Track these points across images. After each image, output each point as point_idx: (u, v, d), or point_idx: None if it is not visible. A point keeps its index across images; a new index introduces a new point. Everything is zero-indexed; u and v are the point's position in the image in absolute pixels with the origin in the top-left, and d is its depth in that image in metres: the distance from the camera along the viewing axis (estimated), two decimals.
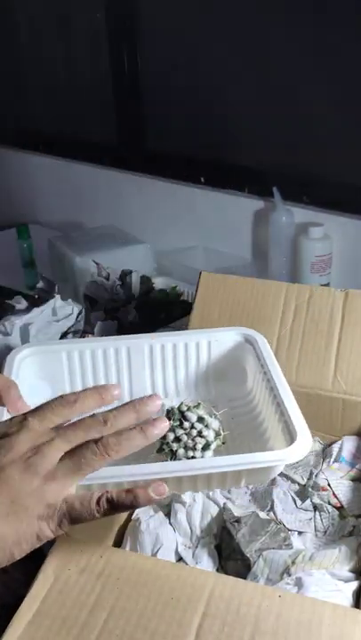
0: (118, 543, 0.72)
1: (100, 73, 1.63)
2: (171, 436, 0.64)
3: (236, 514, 0.71)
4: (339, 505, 0.75)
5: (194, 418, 0.65)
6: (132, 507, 0.49)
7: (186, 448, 0.64)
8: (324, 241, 1.30)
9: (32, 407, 0.53)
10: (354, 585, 0.62)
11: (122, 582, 0.55)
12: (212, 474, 0.59)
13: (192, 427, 0.64)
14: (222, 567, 0.70)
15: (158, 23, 1.49)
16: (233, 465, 0.58)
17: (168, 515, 0.74)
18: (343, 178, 1.28)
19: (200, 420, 0.65)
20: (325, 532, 0.74)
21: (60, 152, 1.84)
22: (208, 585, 0.54)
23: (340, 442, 0.84)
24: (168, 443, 0.65)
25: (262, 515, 0.71)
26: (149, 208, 1.66)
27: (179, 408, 0.66)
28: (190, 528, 0.73)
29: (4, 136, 2.00)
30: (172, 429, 0.64)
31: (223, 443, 0.66)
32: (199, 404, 0.67)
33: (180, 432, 0.64)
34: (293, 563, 0.65)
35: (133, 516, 0.73)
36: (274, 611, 0.51)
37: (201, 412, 0.66)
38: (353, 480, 0.79)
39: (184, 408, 0.66)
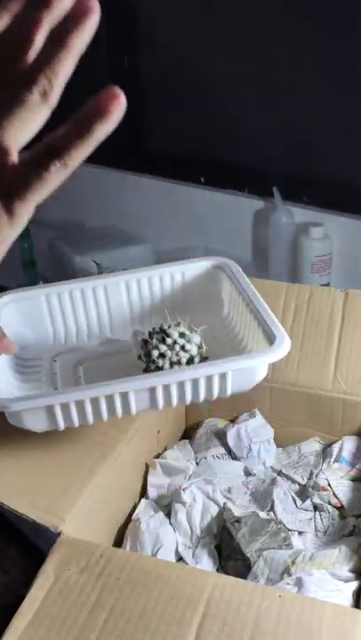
0: (118, 543, 0.72)
1: (100, 72, 1.63)
2: (155, 353, 0.67)
3: (236, 514, 0.71)
4: (339, 505, 0.75)
5: (175, 334, 0.68)
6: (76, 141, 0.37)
7: (171, 363, 0.67)
8: (324, 241, 1.30)
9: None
10: (354, 585, 0.62)
11: (122, 582, 0.55)
12: (199, 379, 0.62)
13: (175, 342, 0.67)
14: (222, 567, 0.70)
15: (158, 23, 1.49)
16: (219, 369, 0.61)
17: (168, 515, 0.74)
18: (343, 178, 1.28)
19: (182, 335, 0.68)
20: (326, 531, 0.74)
21: None
22: (208, 585, 0.54)
23: (340, 442, 0.84)
24: (154, 360, 0.67)
25: (262, 515, 0.71)
26: (149, 208, 1.66)
27: (160, 327, 0.69)
28: (190, 528, 0.73)
29: None
30: (155, 347, 0.67)
31: (206, 357, 0.69)
32: (179, 322, 0.70)
33: (163, 348, 0.67)
34: (293, 563, 0.65)
35: (133, 517, 0.73)
36: (274, 611, 0.51)
37: (182, 328, 0.68)
38: (353, 480, 0.79)
39: (165, 326, 0.69)
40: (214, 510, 0.74)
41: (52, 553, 0.58)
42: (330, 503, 0.76)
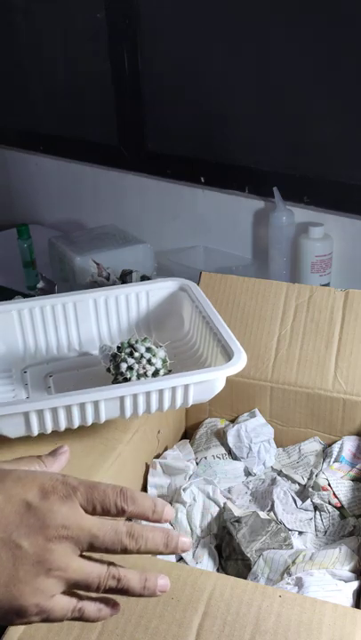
0: None
1: (101, 73, 1.63)
2: (124, 366, 0.73)
3: (236, 514, 0.71)
4: (339, 505, 0.75)
5: (142, 349, 0.74)
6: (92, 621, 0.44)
7: (138, 375, 0.72)
8: (325, 241, 1.29)
9: None
10: (354, 585, 0.62)
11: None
12: (164, 390, 0.68)
13: (141, 356, 0.73)
14: (222, 567, 0.70)
15: (159, 23, 1.48)
16: (183, 381, 0.68)
17: None
18: (344, 178, 1.28)
19: (148, 350, 0.74)
20: (326, 531, 0.74)
21: (60, 152, 1.83)
22: (208, 585, 0.54)
23: (340, 442, 0.84)
24: (122, 372, 0.73)
25: (263, 515, 0.71)
26: (150, 208, 1.66)
27: (128, 341, 0.75)
28: (190, 528, 0.73)
29: (5, 136, 2.00)
30: (124, 360, 0.73)
31: (169, 370, 0.75)
32: (146, 338, 0.76)
33: (131, 361, 0.73)
34: (294, 563, 0.64)
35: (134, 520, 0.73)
36: (274, 611, 0.51)
37: (148, 344, 0.75)
38: (353, 480, 0.79)
39: (133, 341, 0.75)
40: (214, 510, 0.74)
41: None
42: (330, 503, 0.76)
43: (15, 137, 1.96)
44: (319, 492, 0.76)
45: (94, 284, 1.28)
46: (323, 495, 0.76)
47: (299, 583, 0.61)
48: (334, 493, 0.76)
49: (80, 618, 0.43)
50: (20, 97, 1.91)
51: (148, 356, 0.73)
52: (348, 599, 0.60)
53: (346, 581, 0.63)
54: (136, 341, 0.74)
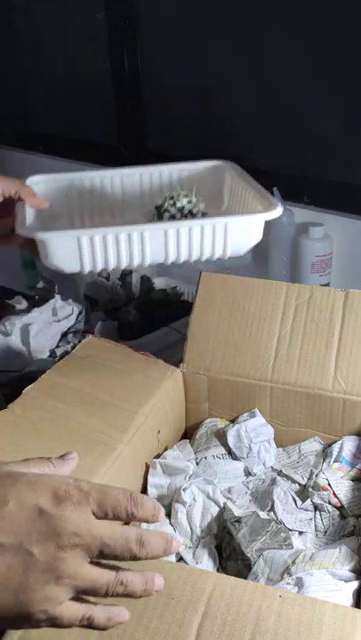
0: None
1: (101, 73, 1.63)
2: (167, 216, 0.76)
3: (236, 514, 0.71)
4: (339, 505, 0.75)
5: (185, 201, 0.78)
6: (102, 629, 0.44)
7: None
8: (325, 241, 1.29)
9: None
10: (354, 585, 0.62)
11: None
12: (205, 228, 0.70)
13: (183, 207, 0.77)
14: (222, 567, 0.70)
15: (159, 23, 1.48)
16: (222, 220, 0.71)
17: (169, 515, 0.74)
18: (344, 178, 1.28)
19: (190, 202, 0.78)
20: (326, 531, 0.74)
21: (60, 152, 1.83)
22: (208, 585, 0.54)
23: (340, 442, 0.84)
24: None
25: (263, 515, 0.71)
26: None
27: (170, 195, 0.79)
28: (190, 528, 0.73)
29: (5, 136, 2.00)
30: (167, 210, 0.76)
31: None
32: (187, 194, 0.80)
33: (173, 211, 0.77)
34: (294, 563, 0.65)
35: None
36: (274, 611, 0.51)
37: (189, 197, 0.79)
38: (353, 480, 0.79)
39: (174, 194, 0.79)
40: (214, 510, 0.74)
41: None
42: (330, 503, 0.76)
43: (16, 137, 1.96)
44: (319, 492, 0.76)
45: (94, 284, 1.28)
46: (323, 495, 0.76)
47: (299, 583, 0.61)
48: (334, 493, 0.76)
49: (89, 626, 0.43)
50: (20, 97, 1.91)
51: (189, 207, 0.77)
52: (348, 599, 0.60)
53: (346, 581, 0.63)
54: (178, 195, 0.78)
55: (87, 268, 0.70)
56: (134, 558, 0.42)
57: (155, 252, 0.70)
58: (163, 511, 0.46)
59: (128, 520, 0.43)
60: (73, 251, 0.68)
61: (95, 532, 0.41)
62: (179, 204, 0.77)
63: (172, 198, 0.78)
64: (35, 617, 0.40)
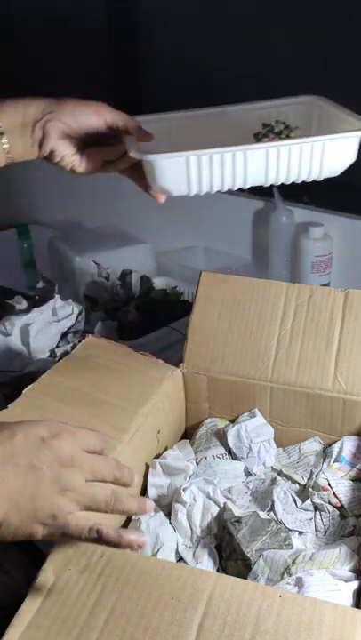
0: None
1: (101, 73, 1.63)
2: (265, 141, 0.78)
3: (236, 514, 0.71)
4: (339, 505, 0.75)
5: (281, 126, 0.81)
6: (114, 545, 0.52)
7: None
8: (325, 241, 1.30)
9: None
10: (354, 585, 0.62)
11: (122, 582, 0.55)
12: (303, 147, 0.71)
13: (281, 131, 0.80)
14: (222, 567, 0.70)
15: (160, 23, 1.48)
16: (321, 138, 0.72)
17: (169, 515, 0.74)
18: (344, 178, 1.28)
19: (286, 127, 0.81)
20: (326, 531, 0.74)
21: None
22: (208, 585, 0.54)
23: (340, 442, 0.84)
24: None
25: (263, 515, 0.71)
26: (149, 208, 1.66)
27: (267, 123, 0.81)
28: (191, 528, 0.73)
29: None
30: (265, 135, 0.80)
31: None
32: (284, 121, 0.82)
33: (271, 136, 0.80)
34: (294, 563, 0.64)
35: (134, 517, 0.73)
36: (274, 611, 0.51)
37: (286, 124, 0.81)
38: (353, 480, 0.79)
39: (271, 122, 0.81)
40: (214, 510, 0.74)
41: (53, 553, 0.58)
42: (330, 503, 0.76)
43: None
44: (319, 492, 0.76)
45: (94, 285, 1.28)
46: (323, 495, 0.76)
47: (299, 583, 0.61)
48: (334, 493, 0.76)
49: (99, 538, 0.51)
50: (21, 97, 1.91)
51: (286, 132, 0.80)
52: (348, 599, 0.60)
53: (346, 581, 0.63)
54: (275, 122, 0.81)
55: (194, 190, 0.72)
56: (117, 481, 0.54)
57: (255, 173, 0.72)
58: (151, 503, 0.55)
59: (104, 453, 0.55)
60: (181, 172, 0.71)
61: (84, 457, 0.52)
62: (276, 129, 0.80)
63: (269, 125, 0.81)
64: (45, 521, 0.49)
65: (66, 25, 1.66)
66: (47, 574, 0.56)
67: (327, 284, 1.31)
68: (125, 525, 0.73)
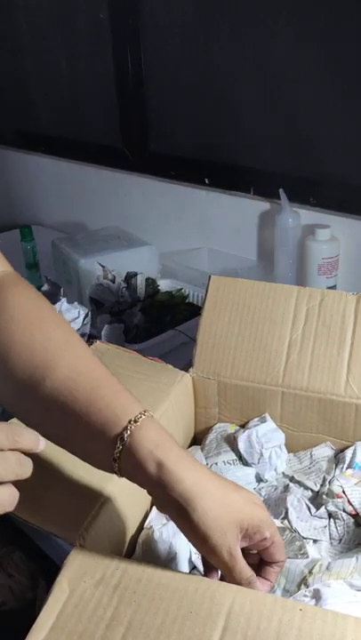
0: (131, 552, 0.70)
1: (104, 74, 1.62)
2: None
3: None
4: (354, 512, 0.74)
5: None
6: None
7: None
8: (331, 243, 1.28)
9: None
10: None
11: (139, 595, 0.53)
12: None
13: None
14: None
15: (162, 24, 1.47)
16: None
17: None
18: (350, 179, 1.27)
19: None
20: (341, 539, 0.73)
21: (63, 153, 1.82)
22: (227, 598, 0.52)
23: (353, 447, 0.83)
24: None
25: (277, 523, 0.70)
26: (154, 209, 1.65)
27: None
28: None
29: (8, 137, 1.99)
30: None
31: None
32: None
33: None
34: (310, 573, 0.63)
35: (146, 525, 0.72)
36: (295, 625, 0.50)
37: None
38: None
39: None
40: None
41: (66, 565, 0.57)
42: (345, 511, 0.75)
43: (18, 138, 1.95)
44: (334, 500, 0.75)
45: (100, 287, 1.26)
46: (337, 503, 0.75)
47: (316, 595, 0.60)
48: (349, 501, 0.75)
49: None
50: (21, 97, 1.90)
51: None
52: None
53: None
54: None
55: None
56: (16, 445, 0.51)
57: None
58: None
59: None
60: None
61: None
62: None
63: None
64: None
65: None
66: (61, 587, 0.55)
67: (334, 287, 1.30)
68: (137, 534, 0.72)
